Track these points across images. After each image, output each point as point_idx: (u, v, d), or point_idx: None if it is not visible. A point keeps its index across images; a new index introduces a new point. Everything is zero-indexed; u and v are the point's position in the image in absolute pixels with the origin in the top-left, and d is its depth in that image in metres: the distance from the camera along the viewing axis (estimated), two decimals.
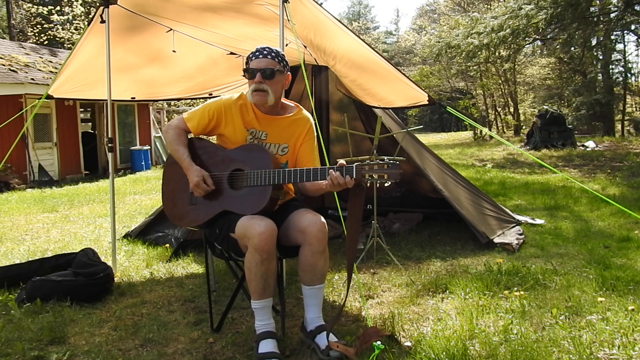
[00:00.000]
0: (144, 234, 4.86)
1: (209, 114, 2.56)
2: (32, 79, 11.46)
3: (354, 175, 2.22)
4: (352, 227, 2.39)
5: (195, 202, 2.54)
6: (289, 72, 2.60)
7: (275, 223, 2.35)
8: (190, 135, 2.63)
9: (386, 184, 2.20)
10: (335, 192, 2.90)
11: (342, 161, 2.28)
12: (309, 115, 2.69)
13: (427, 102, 3.96)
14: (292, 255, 2.52)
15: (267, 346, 2.30)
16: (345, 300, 2.42)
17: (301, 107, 2.70)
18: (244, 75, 2.59)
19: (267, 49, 2.51)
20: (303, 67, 3.11)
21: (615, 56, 20.69)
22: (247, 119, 2.56)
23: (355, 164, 2.25)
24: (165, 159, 2.63)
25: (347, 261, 2.41)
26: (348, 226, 2.40)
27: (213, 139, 2.72)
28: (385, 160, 2.19)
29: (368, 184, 2.26)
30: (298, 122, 2.63)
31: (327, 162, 2.76)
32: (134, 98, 4.86)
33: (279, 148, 2.60)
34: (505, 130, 25.93)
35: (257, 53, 2.49)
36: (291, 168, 2.60)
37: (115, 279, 3.59)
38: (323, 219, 2.39)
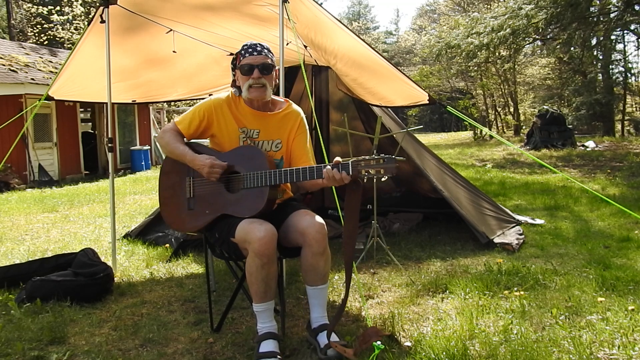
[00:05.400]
0: (144, 234, 4.87)
1: (199, 115, 2.56)
2: (32, 79, 11.45)
3: (350, 172, 2.21)
4: (349, 223, 2.36)
5: (193, 208, 2.53)
6: (276, 67, 2.62)
7: (275, 224, 2.35)
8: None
9: (383, 179, 2.19)
10: (335, 192, 2.90)
11: (337, 158, 2.27)
12: (299, 109, 2.71)
13: (427, 102, 3.97)
14: (293, 255, 2.52)
15: (267, 346, 2.30)
16: (346, 297, 2.38)
17: (290, 101, 2.71)
18: (233, 74, 2.59)
19: (259, 45, 2.53)
20: (303, 67, 3.11)
21: (615, 56, 20.71)
22: (238, 117, 2.57)
23: (351, 160, 2.23)
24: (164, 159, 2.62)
25: (345, 258, 2.37)
26: (345, 222, 2.37)
27: (207, 143, 2.72)
28: (380, 156, 2.18)
29: (365, 180, 2.26)
30: (289, 116, 2.64)
31: (327, 162, 2.76)
32: (135, 101, 4.87)
33: (273, 144, 2.60)
34: (505, 130, 25.93)
35: (250, 50, 2.51)
36: (286, 164, 2.61)
37: (115, 279, 3.59)
38: (322, 220, 2.38)
